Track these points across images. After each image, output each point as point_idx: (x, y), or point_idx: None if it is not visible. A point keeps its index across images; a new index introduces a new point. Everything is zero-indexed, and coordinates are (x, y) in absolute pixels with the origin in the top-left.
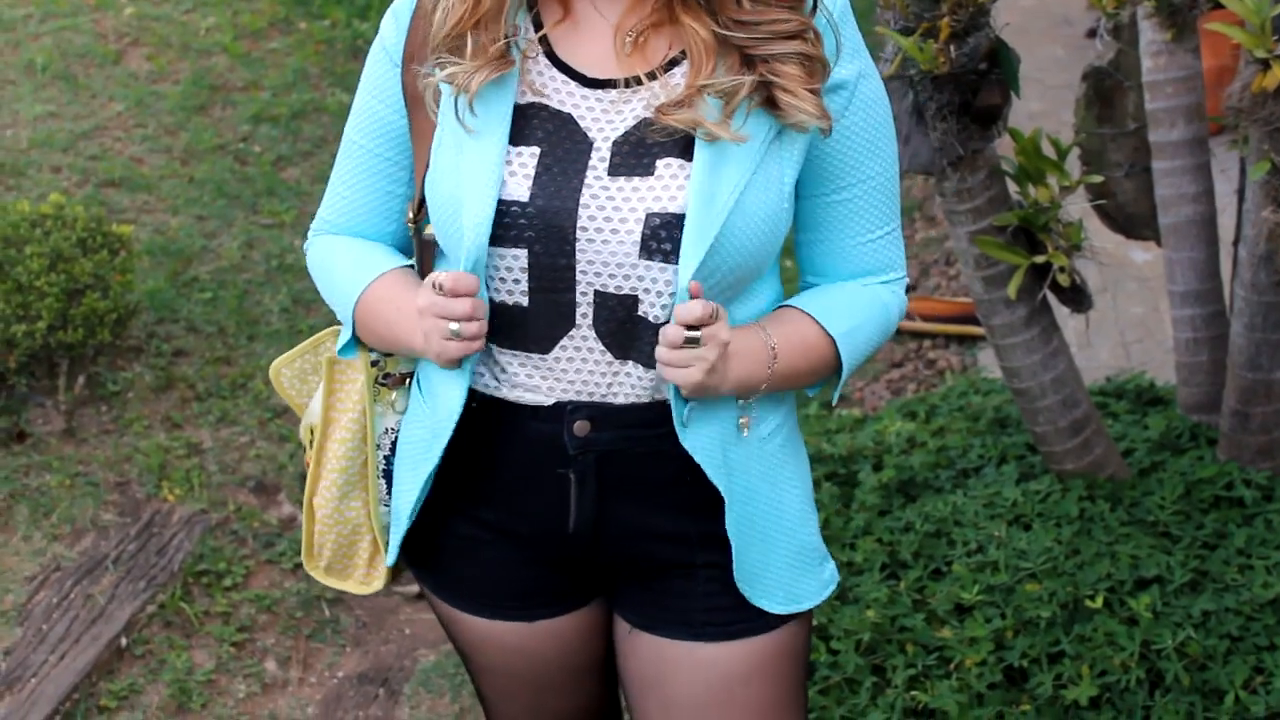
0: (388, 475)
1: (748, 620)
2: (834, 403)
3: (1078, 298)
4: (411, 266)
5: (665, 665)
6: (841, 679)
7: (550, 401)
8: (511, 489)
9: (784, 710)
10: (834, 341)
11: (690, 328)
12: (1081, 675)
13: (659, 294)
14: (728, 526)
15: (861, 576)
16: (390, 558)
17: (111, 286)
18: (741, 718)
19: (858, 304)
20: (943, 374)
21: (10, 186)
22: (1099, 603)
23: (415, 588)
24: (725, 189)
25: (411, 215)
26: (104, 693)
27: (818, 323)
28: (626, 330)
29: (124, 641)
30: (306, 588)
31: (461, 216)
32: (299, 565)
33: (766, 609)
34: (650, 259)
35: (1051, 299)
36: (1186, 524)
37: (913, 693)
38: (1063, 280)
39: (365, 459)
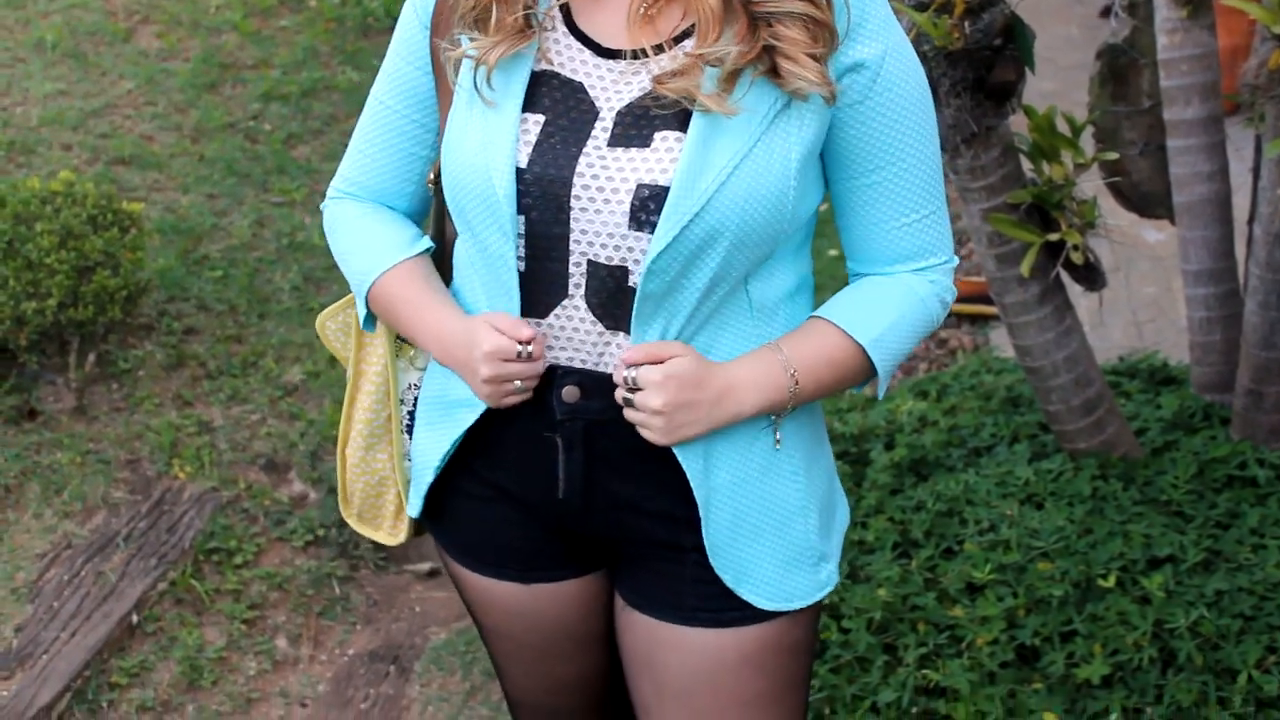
0: (411, 430)
1: (738, 609)
2: (880, 398)
3: (1091, 276)
4: (427, 252)
5: (656, 646)
6: (853, 657)
7: (543, 366)
8: (508, 451)
9: (777, 702)
10: (864, 349)
11: (634, 388)
12: (1094, 654)
13: None
14: (700, 510)
15: (873, 555)
16: (414, 510)
17: (122, 264)
18: (731, 705)
19: (888, 303)
20: (954, 353)
21: (20, 164)
22: (1111, 582)
23: (426, 565)
24: (718, 163)
25: (433, 177)
26: (115, 669)
27: (845, 333)
28: (617, 301)
29: (135, 619)
30: (317, 566)
31: (492, 182)
32: (310, 543)
33: (753, 604)
34: (640, 230)
35: (1065, 277)
36: (1199, 503)
37: (924, 671)
38: (1076, 258)
39: (389, 414)
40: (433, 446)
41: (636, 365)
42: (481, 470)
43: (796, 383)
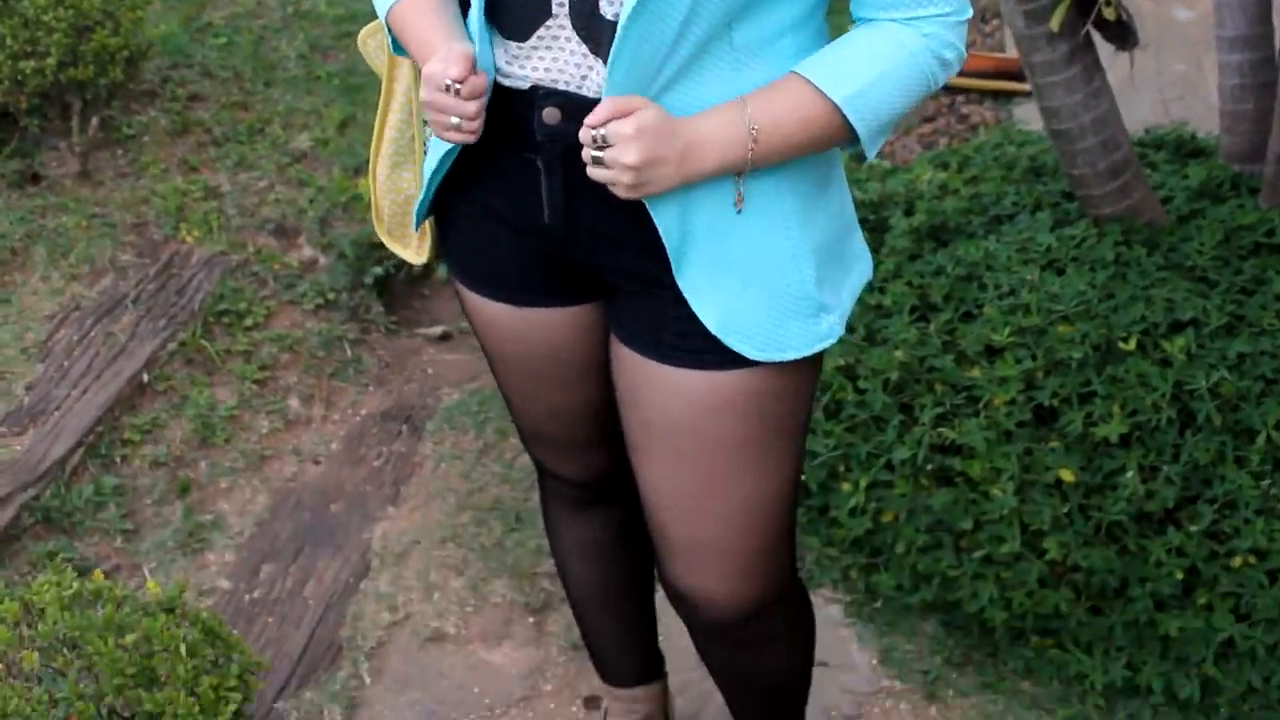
0: None
1: (717, 352)
2: (868, 159)
3: (1123, 33)
4: None
5: (639, 382)
6: (868, 417)
7: (526, 86)
8: (496, 174)
9: (764, 448)
10: (838, 106)
11: (603, 145)
12: (1112, 414)
13: None
14: (670, 256)
15: (890, 319)
16: (414, 224)
17: (122, 23)
18: (716, 448)
19: (871, 57)
20: (976, 129)
21: None
22: (1132, 345)
23: (438, 329)
24: None
25: None
26: (127, 426)
27: (819, 89)
28: (595, 24)
29: (146, 378)
30: (328, 328)
31: None
32: (320, 306)
33: (741, 352)
34: None
35: (1096, 39)
36: (1225, 269)
37: (940, 430)
38: (1108, 14)
39: (413, 135)
40: (428, 165)
41: (603, 125)
42: (475, 192)
43: (756, 141)
